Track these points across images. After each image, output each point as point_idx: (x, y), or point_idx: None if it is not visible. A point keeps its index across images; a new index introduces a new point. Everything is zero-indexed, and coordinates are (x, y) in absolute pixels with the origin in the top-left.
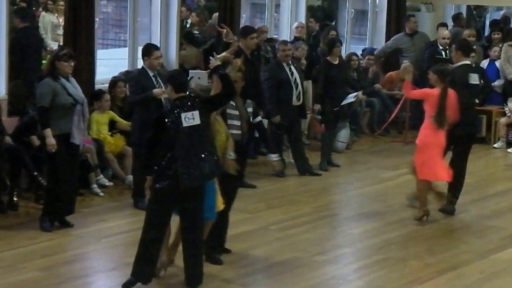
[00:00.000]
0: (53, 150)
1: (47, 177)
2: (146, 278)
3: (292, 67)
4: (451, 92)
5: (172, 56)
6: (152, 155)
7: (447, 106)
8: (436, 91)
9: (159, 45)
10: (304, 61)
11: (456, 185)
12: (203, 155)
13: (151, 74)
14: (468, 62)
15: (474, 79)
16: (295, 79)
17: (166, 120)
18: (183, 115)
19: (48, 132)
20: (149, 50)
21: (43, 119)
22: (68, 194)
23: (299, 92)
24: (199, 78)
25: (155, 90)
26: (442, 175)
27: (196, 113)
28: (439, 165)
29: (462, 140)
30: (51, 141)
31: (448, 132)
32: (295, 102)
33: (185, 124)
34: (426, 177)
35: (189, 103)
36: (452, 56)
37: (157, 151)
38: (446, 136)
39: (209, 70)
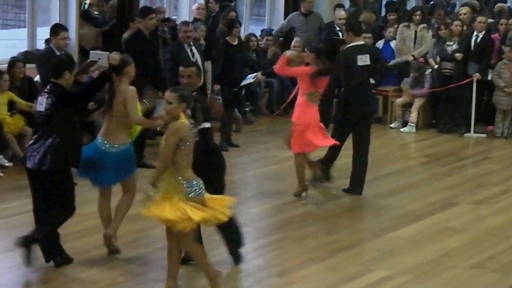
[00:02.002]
0: None
1: None
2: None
3: (193, 48)
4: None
5: (72, 36)
6: None
7: (320, 83)
8: (309, 69)
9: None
10: (203, 42)
11: (359, 164)
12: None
13: (57, 53)
14: (360, 42)
15: (363, 60)
16: (196, 60)
17: None
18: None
19: None
20: (56, 30)
21: None
22: None
23: (200, 72)
24: (99, 59)
25: None
26: (319, 142)
27: (44, 100)
28: (316, 136)
29: (359, 118)
30: None
31: (343, 113)
32: None
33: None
34: (304, 149)
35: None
36: (345, 37)
37: None
38: (342, 117)
39: (109, 53)
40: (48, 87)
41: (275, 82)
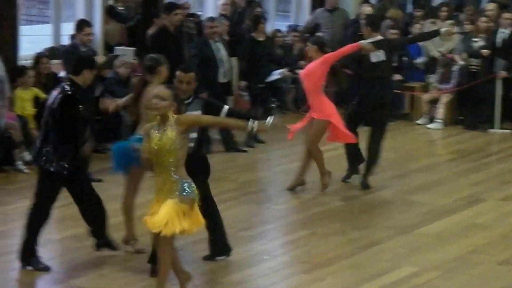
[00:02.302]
0: None
1: None
2: None
3: (219, 44)
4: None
5: (96, 31)
6: None
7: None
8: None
9: None
10: (225, 37)
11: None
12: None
13: (82, 49)
14: (378, 37)
15: (378, 56)
16: (222, 56)
17: None
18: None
19: None
20: (81, 26)
21: None
22: None
23: (226, 69)
24: (124, 55)
25: None
26: (349, 138)
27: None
28: (345, 129)
29: (372, 111)
30: None
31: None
32: (221, 79)
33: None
34: (338, 140)
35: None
36: (363, 31)
37: None
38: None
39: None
40: (64, 82)
41: None
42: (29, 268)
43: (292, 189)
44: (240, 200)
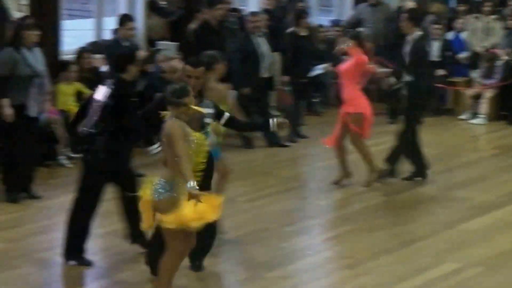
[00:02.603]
0: (10, 121)
1: None
2: None
3: (261, 38)
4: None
5: (139, 26)
6: None
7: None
8: (364, 58)
9: None
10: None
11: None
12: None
13: (125, 44)
14: (419, 33)
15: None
16: (264, 51)
17: None
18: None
19: (5, 102)
20: (123, 20)
21: (0, 88)
22: (23, 166)
23: (268, 64)
24: (167, 49)
25: None
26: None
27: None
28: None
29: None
30: (8, 111)
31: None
32: (263, 74)
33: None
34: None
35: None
36: (403, 26)
37: None
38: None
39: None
40: (112, 80)
41: None
42: (72, 263)
43: (337, 183)
44: (282, 195)
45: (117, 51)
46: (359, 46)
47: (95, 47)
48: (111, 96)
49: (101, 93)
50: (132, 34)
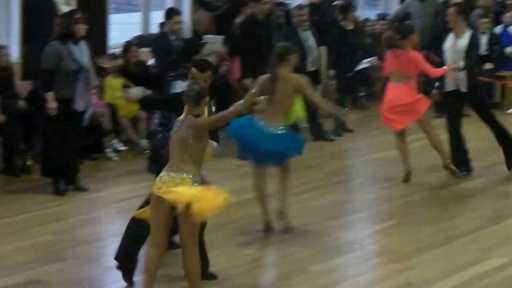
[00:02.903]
0: (53, 114)
1: (41, 140)
2: None
3: (307, 32)
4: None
5: (185, 20)
6: None
7: None
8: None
9: None
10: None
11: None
12: None
13: (171, 38)
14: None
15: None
16: (310, 44)
17: None
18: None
19: (50, 95)
20: (170, 14)
21: (46, 82)
22: (70, 159)
23: (314, 57)
24: (214, 43)
25: None
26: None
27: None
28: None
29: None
30: (52, 104)
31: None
32: (309, 68)
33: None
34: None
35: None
36: (451, 20)
37: None
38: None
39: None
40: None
41: None
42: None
43: (407, 180)
44: (328, 189)
45: (165, 44)
46: (404, 39)
47: (142, 40)
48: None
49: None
50: (179, 28)
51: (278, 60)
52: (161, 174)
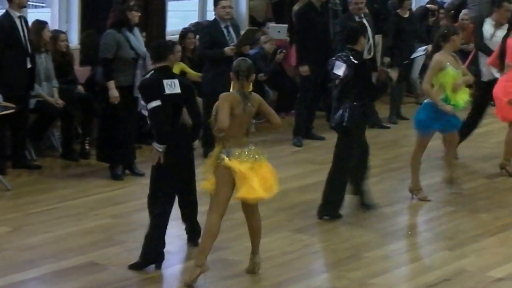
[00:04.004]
0: (116, 102)
1: (101, 126)
2: None
3: (364, 20)
4: None
5: (242, 8)
6: None
7: None
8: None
9: None
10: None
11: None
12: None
13: (222, 25)
14: None
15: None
16: (367, 31)
17: None
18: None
19: (112, 84)
20: (216, 0)
21: (107, 70)
22: (127, 144)
23: (370, 45)
24: (278, 31)
25: (226, 49)
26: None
27: (344, 66)
28: None
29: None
30: (114, 93)
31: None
32: (366, 55)
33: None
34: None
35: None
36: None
37: None
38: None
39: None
40: (344, 52)
41: None
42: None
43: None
44: (383, 176)
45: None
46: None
47: (198, 27)
48: (351, 68)
49: (340, 67)
50: (227, 12)
51: (441, 40)
52: (231, 150)
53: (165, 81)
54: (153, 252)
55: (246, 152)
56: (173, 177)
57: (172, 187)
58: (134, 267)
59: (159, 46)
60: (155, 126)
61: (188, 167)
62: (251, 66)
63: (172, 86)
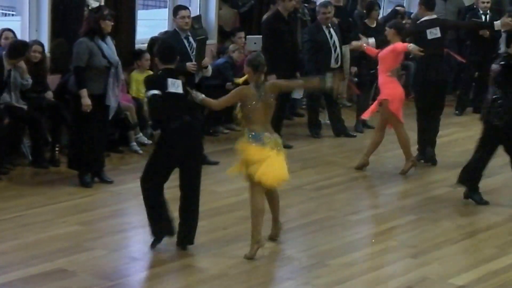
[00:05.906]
0: (88, 110)
1: (71, 134)
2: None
3: (331, 29)
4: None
5: (211, 17)
6: None
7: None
8: (400, 46)
9: (198, 6)
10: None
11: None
12: None
13: (182, 35)
14: (433, 16)
15: (433, 33)
16: (334, 41)
17: None
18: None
19: (84, 92)
20: (175, 10)
21: (79, 79)
22: (95, 153)
23: (338, 54)
24: (255, 43)
25: (189, 65)
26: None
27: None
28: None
29: (433, 86)
30: (86, 101)
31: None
32: (333, 64)
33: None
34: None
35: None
36: (418, 10)
37: None
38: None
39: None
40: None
41: (412, 65)
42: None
43: (405, 173)
44: (348, 184)
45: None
46: (398, 34)
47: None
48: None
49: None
50: (186, 23)
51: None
52: (266, 134)
53: (169, 80)
54: (157, 229)
55: (274, 140)
56: (169, 159)
57: (166, 168)
58: (153, 245)
59: (165, 49)
60: (150, 112)
61: (192, 160)
62: (263, 59)
63: (175, 86)
